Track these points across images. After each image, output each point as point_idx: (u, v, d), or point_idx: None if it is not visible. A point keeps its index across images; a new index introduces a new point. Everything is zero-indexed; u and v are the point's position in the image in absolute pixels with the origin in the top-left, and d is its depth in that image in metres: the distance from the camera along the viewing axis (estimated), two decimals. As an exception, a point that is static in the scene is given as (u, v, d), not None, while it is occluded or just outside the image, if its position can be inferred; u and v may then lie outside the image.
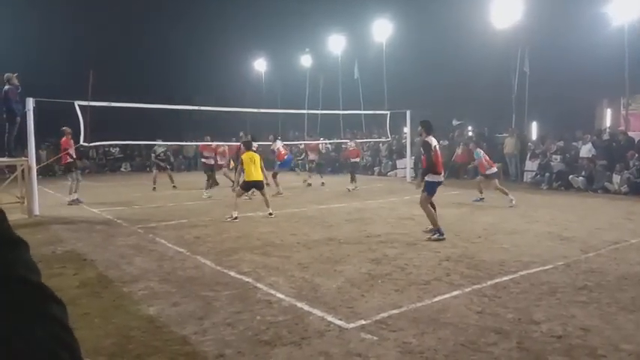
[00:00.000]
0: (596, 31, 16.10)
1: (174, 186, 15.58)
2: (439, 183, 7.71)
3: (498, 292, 4.84)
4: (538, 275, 5.43)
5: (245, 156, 10.01)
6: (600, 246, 6.82)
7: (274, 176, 14.06)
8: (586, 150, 14.58)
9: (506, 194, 11.05)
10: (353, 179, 15.01)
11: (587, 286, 5.02)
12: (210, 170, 14.26)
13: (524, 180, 16.45)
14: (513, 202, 10.89)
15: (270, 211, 9.71)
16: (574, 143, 15.67)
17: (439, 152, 7.82)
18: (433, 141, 7.68)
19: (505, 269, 5.68)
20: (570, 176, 14.15)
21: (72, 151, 12.51)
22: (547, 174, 14.94)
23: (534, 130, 20.44)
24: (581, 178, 13.83)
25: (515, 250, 6.62)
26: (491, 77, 18.84)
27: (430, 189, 7.57)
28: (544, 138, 17.30)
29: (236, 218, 9.36)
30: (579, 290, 4.89)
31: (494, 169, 11.78)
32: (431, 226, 7.61)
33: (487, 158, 11.81)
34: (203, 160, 14.81)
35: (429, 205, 7.56)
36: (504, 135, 18.35)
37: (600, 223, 8.74)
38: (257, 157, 10.09)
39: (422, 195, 7.62)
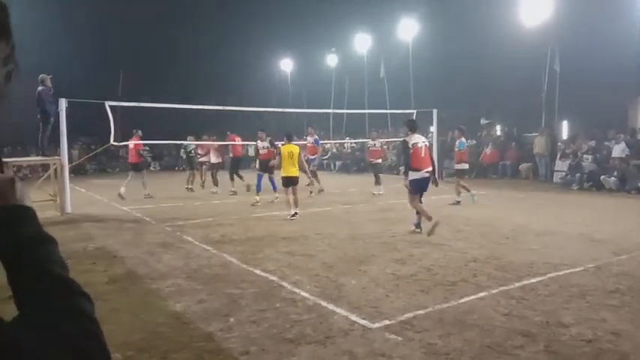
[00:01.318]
0: (630, 27, 15.64)
1: (190, 188, 15.17)
2: (423, 179, 7.84)
3: (526, 294, 4.75)
4: (568, 277, 5.31)
5: (284, 149, 9.76)
6: (633, 248, 6.62)
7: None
8: (619, 150, 14.15)
9: (459, 193, 11.15)
10: (378, 182, 13.69)
11: (619, 289, 4.88)
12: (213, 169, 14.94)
13: (555, 180, 16.10)
14: (459, 200, 11.04)
15: (297, 211, 9.63)
16: (606, 143, 15.24)
17: (421, 149, 7.83)
18: (413, 139, 7.87)
19: (533, 271, 5.57)
20: (602, 176, 13.79)
21: (140, 152, 14.07)
22: (578, 174, 14.59)
23: (565, 130, 19.98)
24: (613, 178, 13.46)
25: (544, 252, 6.48)
26: (520, 75, 18.50)
27: (413, 186, 7.81)
28: (575, 137, 16.90)
29: (295, 214, 9.37)
30: (610, 293, 4.76)
31: (466, 166, 11.79)
32: (413, 227, 7.92)
33: (466, 152, 11.78)
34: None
35: (417, 202, 7.82)
36: (534, 134, 18.00)
37: (633, 224, 8.49)
38: (296, 150, 9.75)
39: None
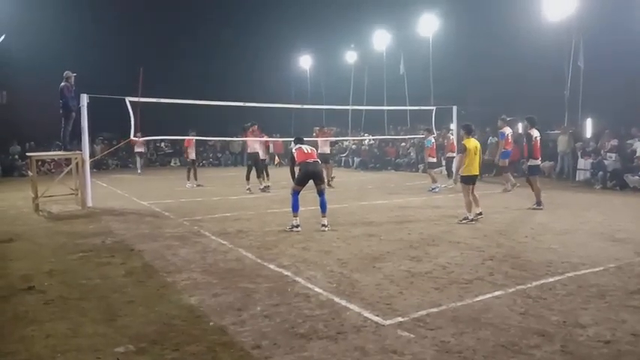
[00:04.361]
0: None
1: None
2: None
3: (543, 294, 4.67)
4: (587, 277, 5.20)
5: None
6: (657, 249, 6.45)
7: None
8: (644, 148, 13.76)
9: (435, 181, 13.55)
10: (450, 175, 14.28)
11: (641, 290, 4.77)
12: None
13: (577, 179, 15.79)
14: (436, 189, 13.23)
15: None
16: (629, 141, 14.84)
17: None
18: (534, 132, 10.12)
19: (552, 270, 5.47)
20: (625, 175, 13.46)
21: (192, 150, 15.68)
22: (600, 173, 14.27)
23: (589, 127, 19.52)
24: (637, 177, 13.13)
25: (563, 251, 6.36)
26: (543, 72, 18.13)
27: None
28: (598, 135, 16.52)
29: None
30: (631, 294, 4.64)
31: (434, 160, 14.43)
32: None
33: (434, 148, 14.18)
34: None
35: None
36: (556, 132, 17.66)
37: (658, 224, 8.28)
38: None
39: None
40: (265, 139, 14.67)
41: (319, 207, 8.10)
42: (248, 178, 13.79)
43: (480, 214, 8.67)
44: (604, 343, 3.57)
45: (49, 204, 10.99)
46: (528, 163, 10.22)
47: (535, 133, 10.17)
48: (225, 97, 14.41)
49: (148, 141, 21.26)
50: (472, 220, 8.48)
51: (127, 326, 3.96)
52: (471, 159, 8.64)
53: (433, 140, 14.23)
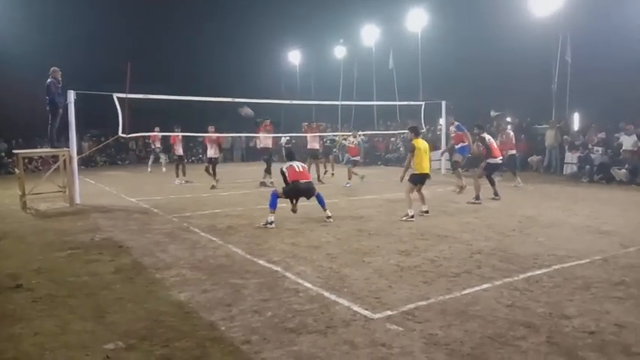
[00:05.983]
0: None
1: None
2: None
3: (530, 286, 4.73)
4: (573, 269, 5.27)
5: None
6: (641, 241, 6.55)
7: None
8: (630, 142, 13.89)
9: (350, 178, 14.01)
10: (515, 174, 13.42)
11: (625, 281, 4.84)
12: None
13: (564, 172, 15.94)
14: (348, 185, 13.77)
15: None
16: (616, 135, 15.00)
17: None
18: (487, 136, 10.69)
19: (539, 263, 5.54)
20: (612, 168, 13.62)
21: (178, 146, 15.72)
22: (587, 166, 14.42)
23: (576, 121, 19.71)
24: (623, 170, 13.29)
25: (550, 244, 6.44)
26: (531, 66, 18.25)
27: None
28: (585, 129, 16.68)
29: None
30: (616, 286, 4.72)
31: (358, 158, 15.07)
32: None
33: (357, 147, 14.90)
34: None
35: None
36: (544, 126, 17.81)
37: (643, 217, 8.40)
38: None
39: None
40: (243, 134, 14.69)
41: (318, 204, 8.32)
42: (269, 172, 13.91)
43: (427, 211, 8.75)
44: (588, 333, 3.63)
45: (36, 201, 10.90)
46: (487, 161, 10.58)
47: (486, 136, 10.77)
48: (214, 92, 14.28)
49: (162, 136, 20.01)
50: (413, 216, 8.31)
51: (116, 323, 3.96)
52: (421, 158, 8.75)
53: (359, 140, 15.33)
